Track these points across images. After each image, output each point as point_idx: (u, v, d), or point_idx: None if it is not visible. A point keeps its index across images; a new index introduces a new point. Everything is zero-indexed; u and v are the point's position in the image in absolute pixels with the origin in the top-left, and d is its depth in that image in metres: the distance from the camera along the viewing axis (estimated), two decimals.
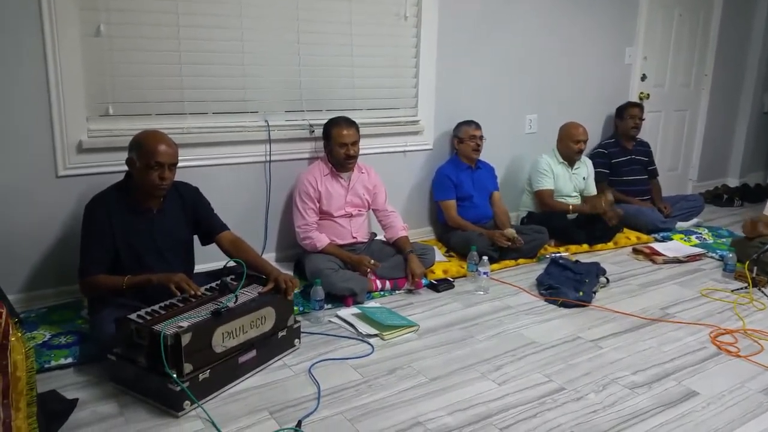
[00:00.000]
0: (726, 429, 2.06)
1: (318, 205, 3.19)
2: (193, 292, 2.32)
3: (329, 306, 2.94)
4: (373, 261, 3.12)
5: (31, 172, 2.73)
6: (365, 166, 3.37)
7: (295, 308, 2.75)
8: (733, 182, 5.92)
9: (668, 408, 2.18)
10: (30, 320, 2.66)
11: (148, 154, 2.40)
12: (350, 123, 3.21)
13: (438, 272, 3.37)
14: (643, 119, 4.63)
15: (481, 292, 3.20)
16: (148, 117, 2.95)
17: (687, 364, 2.51)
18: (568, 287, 3.17)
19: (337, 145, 3.16)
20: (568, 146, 4.10)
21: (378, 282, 3.14)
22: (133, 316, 2.17)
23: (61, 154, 2.77)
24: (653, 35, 4.94)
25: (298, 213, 3.18)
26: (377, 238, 3.45)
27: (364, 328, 2.72)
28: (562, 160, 4.15)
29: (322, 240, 3.14)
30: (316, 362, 2.44)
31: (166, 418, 2.05)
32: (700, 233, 4.32)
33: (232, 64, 3.14)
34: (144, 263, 2.48)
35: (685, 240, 4.16)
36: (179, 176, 2.68)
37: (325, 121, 3.31)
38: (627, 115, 4.59)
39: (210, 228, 2.69)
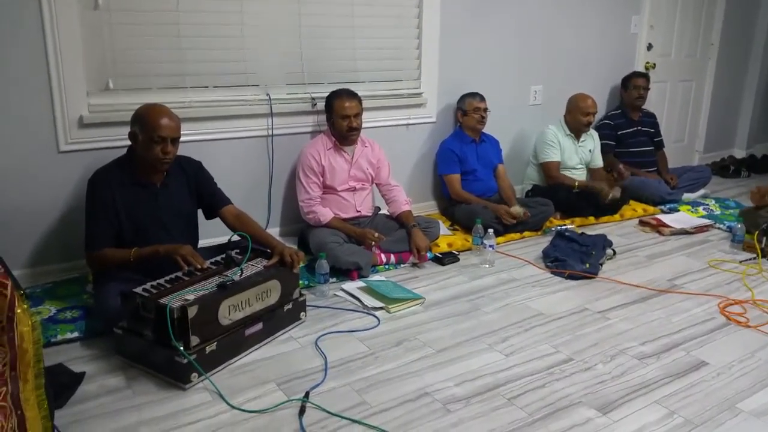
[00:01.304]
0: (736, 399, 2.05)
1: (321, 179, 3.16)
2: (199, 266, 2.30)
3: (334, 280, 2.92)
4: (377, 234, 3.10)
5: (33, 148, 2.71)
6: (369, 140, 3.33)
7: (300, 282, 2.75)
8: (739, 153, 5.86)
9: (678, 378, 2.17)
10: (35, 295, 2.65)
11: (150, 128, 2.37)
12: (352, 95, 3.16)
13: (443, 245, 3.35)
14: (649, 89, 4.56)
15: (487, 265, 3.18)
16: (148, 91, 2.91)
17: (696, 334, 2.50)
18: (574, 259, 3.15)
19: (339, 117, 3.12)
20: (577, 118, 4.05)
21: (383, 256, 3.12)
22: (138, 290, 2.17)
23: (62, 130, 2.74)
24: (659, 3, 4.84)
25: (302, 187, 3.15)
26: (381, 212, 3.42)
27: (370, 301, 2.70)
28: (569, 132, 4.10)
29: (326, 214, 3.12)
30: (323, 335, 2.43)
31: (174, 390, 2.05)
32: (707, 204, 4.29)
33: (233, 37, 3.09)
34: (148, 238, 2.46)
35: (692, 211, 4.12)
36: (182, 150, 2.65)
37: (326, 94, 3.26)
38: (632, 85, 4.52)
39: (213, 202, 2.66)
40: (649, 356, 2.32)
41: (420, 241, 3.13)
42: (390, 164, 3.41)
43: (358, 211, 3.26)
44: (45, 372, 1.96)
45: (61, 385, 2.01)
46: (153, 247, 2.36)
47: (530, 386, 2.10)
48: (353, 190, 3.25)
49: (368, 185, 3.34)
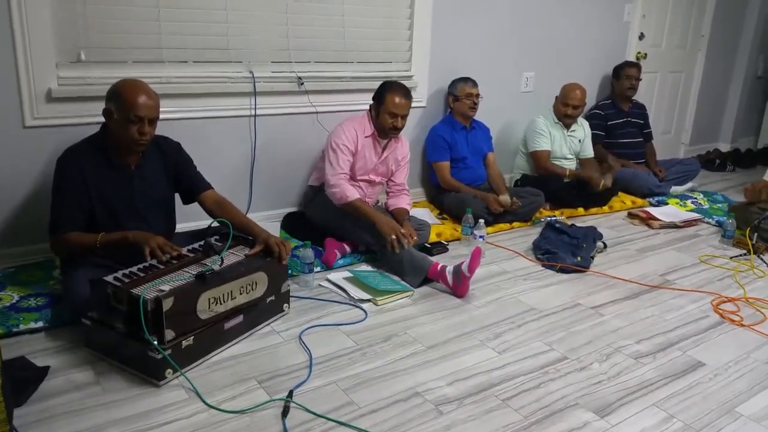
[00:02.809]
0: (735, 402, 1.99)
1: (351, 159, 2.98)
2: (167, 258, 2.14)
3: (318, 269, 2.79)
4: (404, 231, 2.80)
5: None
6: (402, 137, 3.16)
7: None
8: (724, 147, 5.84)
9: (675, 379, 2.10)
10: None
11: (127, 106, 2.19)
12: (407, 93, 2.97)
13: (431, 235, 3.23)
14: (640, 80, 4.49)
15: None
16: (123, 64, 2.73)
17: (691, 333, 2.43)
18: (565, 252, 3.06)
19: (387, 114, 2.93)
20: (559, 108, 3.96)
21: (336, 251, 2.92)
22: (109, 278, 2.01)
23: (29, 103, 2.54)
24: None
25: (331, 161, 2.92)
26: (379, 203, 3.27)
27: (356, 292, 2.58)
28: (557, 121, 4.01)
29: (352, 192, 2.88)
30: (307, 328, 2.31)
31: (147, 387, 1.91)
32: (695, 198, 4.25)
33: (215, 9, 2.90)
34: (120, 222, 2.30)
35: (680, 205, 4.08)
36: (159, 129, 2.48)
37: (313, 74, 3.10)
38: (624, 75, 4.44)
39: (192, 186, 2.50)
40: (644, 355, 2.25)
41: (408, 228, 2.98)
42: (409, 166, 3.26)
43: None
44: (4, 367, 1.82)
45: (23, 381, 1.86)
46: (122, 234, 2.19)
47: (525, 386, 2.01)
48: (371, 182, 3.11)
49: (385, 180, 3.19)
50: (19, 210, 2.64)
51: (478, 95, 3.61)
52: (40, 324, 2.20)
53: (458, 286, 2.61)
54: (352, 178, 3.03)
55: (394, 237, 2.74)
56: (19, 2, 2.42)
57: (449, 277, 2.62)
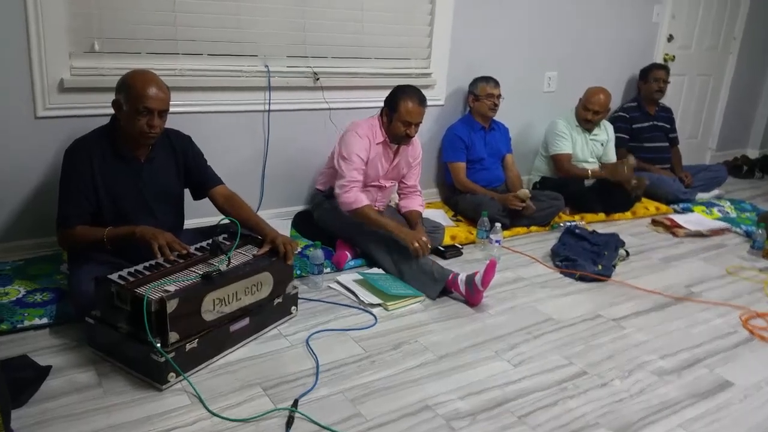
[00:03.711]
0: (767, 426, 1.88)
1: (364, 168, 2.85)
2: (173, 257, 2.07)
3: (328, 270, 2.72)
4: (425, 238, 2.67)
5: (7, 113, 2.46)
6: (414, 139, 3.01)
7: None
8: (752, 153, 5.66)
9: (701, 399, 1.99)
10: (4, 273, 2.44)
11: (136, 97, 2.13)
12: (422, 100, 2.80)
13: (446, 238, 3.14)
14: (668, 82, 4.34)
15: None
16: (137, 56, 2.67)
17: (718, 349, 2.32)
18: (585, 259, 2.96)
19: (400, 122, 2.78)
20: (580, 111, 3.84)
21: (348, 252, 2.84)
22: (114, 276, 1.95)
23: (41, 93, 2.50)
24: None
25: (344, 169, 2.79)
26: (390, 204, 3.18)
27: (367, 296, 2.50)
28: (578, 124, 3.88)
29: (360, 199, 2.76)
30: (315, 332, 2.23)
31: (149, 390, 1.85)
32: (722, 206, 4.10)
33: (231, 1, 2.83)
34: (128, 216, 2.24)
35: (706, 213, 3.93)
36: (170, 122, 2.42)
37: (329, 69, 3.02)
38: (651, 77, 4.30)
39: (203, 181, 2.44)
40: (669, 372, 2.14)
41: (422, 233, 2.89)
42: (421, 167, 3.15)
43: (375, 207, 2.98)
44: (5, 365, 1.77)
45: (24, 381, 1.81)
46: (129, 228, 2.13)
47: (541, 403, 1.92)
48: (382, 188, 3.00)
49: (396, 182, 3.09)
50: (30, 201, 2.60)
51: (499, 96, 3.50)
52: (44, 320, 2.16)
53: (471, 296, 2.51)
54: (363, 184, 2.91)
55: (417, 245, 2.60)
56: None
57: (462, 286, 2.53)
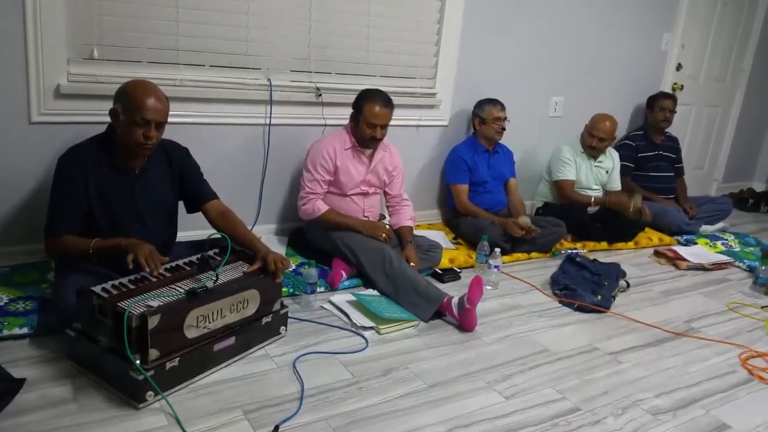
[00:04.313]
0: None
1: (331, 178, 2.87)
2: (148, 271, 1.98)
3: (322, 289, 2.66)
4: (388, 226, 2.87)
5: (1, 115, 2.43)
6: (389, 145, 3.03)
7: (285, 289, 2.50)
8: (759, 186, 5.60)
9: None
10: None
11: (134, 108, 2.09)
12: (387, 102, 2.83)
13: (444, 261, 3.08)
14: (675, 112, 4.30)
15: (490, 287, 2.92)
16: (137, 64, 2.65)
17: (716, 389, 2.24)
18: (585, 289, 2.89)
19: (365, 124, 2.80)
20: (585, 137, 3.80)
21: (343, 271, 2.79)
22: (97, 289, 1.90)
23: (36, 98, 2.47)
24: (694, 22, 4.57)
25: (305, 181, 2.86)
26: (385, 220, 3.14)
27: (359, 318, 2.44)
28: (583, 150, 3.84)
29: (320, 206, 2.84)
30: (303, 354, 2.17)
31: (126, 408, 1.79)
32: (726, 239, 4.03)
33: (236, 13, 2.81)
34: (121, 227, 2.20)
35: (710, 246, 3.87)
36: (168, 133, 2.39)
37: (332, 86, 3.00)
38: (658, 106, 4.26)
39: (197, 194, 2.40)
40: (664, 412, 2.07)
41: (411, 254, 2.85)
42: (403, 174, 3.14)
43: (365, 216, 2.98)
44: None
45: None
46: (115, 241, 2.08)
47: None
48: (365, 194, 2.98)
49: (380, 190, 3.07)
50: (22, 207, 2.57)
51: (505, 119, 3.46)
52: (24, 330, 2.10)
53: (464, 320, 2.45)
54: (343, 194, 2.92)
55: (383, 235, 2.79)
56: None
57: (455, 310, 2.47)
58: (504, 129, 3.47)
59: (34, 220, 2.51)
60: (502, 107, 3.46)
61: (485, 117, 3.45)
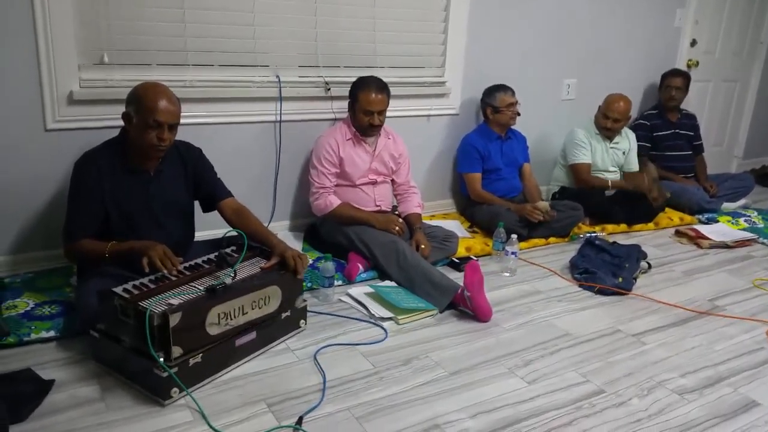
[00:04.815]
0: None
1: (337, 170, 2.90)
2: (165, 272, 2.01)
3: (340, 282, 2.67)
4: (401, 219, 2.88)
5: (17, 125, 2.47)
6: (392, 132, 3.06)
7: (303, 284, 2.50)
8: None
9: (724, 420, 1.89)
10: (14, 286, 2.44)
11: (146, 110, 2.11)
12: (381, 87, 2.85)
13: (460, 249, 3.07)
14: (685, 89, 4.20)
15: (508, 274, 2.91)
16: (147, 67, 2.67)
17: (743, 367, 2.21)
18: (605, 272, 2.86)
19: (362, 112, 2.83)
20: (599, 119, 3.75)
21: (360, 264, 2.79)
22: (118, 290, 1.93)
23: (50, 106, 2.50)
24: None
25: (313, 176, 2.89)
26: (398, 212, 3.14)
27: (378, 309, 2.45)
28: (598, 132, 3.79)
29: (332, 200, 2.87)
30: (323, 347, 2.18)
31: (152, 406, 1.81)
32: (749, 216, 3.96)
33: (242, 11, 2.82)
34: (137, 229, 2.22)
35: (732, 223, 3.80)
36: (181, 134, 2.41)
37: (341, 79, 3.00)
38: (664, 84, 4.19)
39: (212, 193, 2.42)
40: (690, 391, 2.04)
41: (421, 238, 2.85)
42: (410, 162, 3.14)
43: (377, 206, 2.99)
44: (6, 380, 1.75)
45: (25, 395, 1.78)
46: (129, 244, 2.11)
47: (555, 423, 1.84)
48: (374, 183, 2.99)
49: (389, 179, 3.07)
50: (41, 214, 2.61)
51: (517, 103, 3.43)
52: (51, 333, 2.14)
53: (475, 308, 2.44)
54: (352, 184, 2.93)
55: (396, 227, 2.80)
56: (43, 4, 2.37)
57: (468, 300, 2.47)
58: (518, 114, 3.44)
59: (54, 225, 2.55)
60: (513, 93, 3.43)
61: (498, 105, 3.42)
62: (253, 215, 2.40)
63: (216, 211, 2.43)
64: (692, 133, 4.33)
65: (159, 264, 2.00)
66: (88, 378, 1.94)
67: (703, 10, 4.50)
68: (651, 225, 3.71)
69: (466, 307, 2.47)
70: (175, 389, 1.82)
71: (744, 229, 3.69)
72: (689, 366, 2.20)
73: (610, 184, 3.72)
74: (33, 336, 2.12)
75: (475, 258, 3.04)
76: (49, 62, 2.44)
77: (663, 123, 4.22)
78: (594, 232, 3.47)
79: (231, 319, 1.97)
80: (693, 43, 4.54)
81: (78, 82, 2.53)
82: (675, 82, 4.15)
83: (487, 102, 3.48)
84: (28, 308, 2.28)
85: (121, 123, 2.23)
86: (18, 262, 2.59)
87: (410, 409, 1.86)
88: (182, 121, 2.25)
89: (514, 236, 2.95)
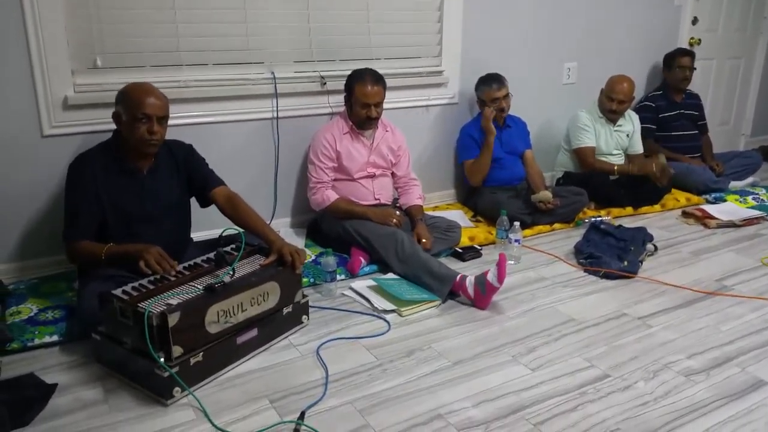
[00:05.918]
0: None
1: (335, 164, 2.89)
2: (163, 272, 2.03)
3: (342, 277, 2.66)
4: (399, 213, 2.85)
5: (14, 132, 2.48)
6: (390, 124, 3.04)
7: (305, 279, 2.51)
8: None
9: (732, 400, 1.86)
10: (19, 292, 2.45)
11: (134, 105, 2.14)
12: (377, 79, 2.83)
13: (464, 239, 3.05)
14: (694, 68, 4.16)
15: (512, 262, 2.88)
16: (141, 69, 2.66)
17: (751, 346, 2.18)
18: (610, 256, 2.83)
19: (359, 105, 2.82)
20: (603, 101, 3.70)
21: (362, 258, 2.78)
22: (117, 292, 1.93)
23: (46, 112, 2.51)
24: None
25: (311, 172, 2.90)
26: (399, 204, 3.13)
27: (380, 302, 2.44)
28: (601, 115, 3.75)
29: (329, 195, 2.86)
30: (326, 341, 2.18)
31: (155, 406, 1.82)
32: (757, 194, 3.90)
33: (234, 9, 2.81)
34: (133, 229, 2.24)
35: (740, 201, 3.75)
36: (177, 135, 2.42)
37: (337, 73, 2.98)
38: (676, 64, 4.12)
39: (204, 183, 2.40)
40: (697, 372, 2.02)
41: (422, 230, 2.83)
42: (410, 154, 3.12)
43: (376, 199, 2.98)
44: (8, 385, 1.76)
45: (29, 399, 1.79)
46: (124, 247, 2.12)
47: (559, 409, 1.82)
48: (372, 176, 2.97)
49: (389, 171, 3.06)
50: (42, 220, 2.62)
51: (506, 96, 3.37)
52: (54, 338, 2.15)
53: (482, 298, 2.42)
54: (351, 178, 2.92)
55: (393, 220, 2.76)
56: (33, 10, 2.38)
57: (470, 288, 2.43)
58: (507, 106, 3.38)
59: (55, 231, 2.54)
60: (500, 85, 3.34)
61: (483, 98, 3.37)
62: (245, 204, 2.37)
63: (213, 209, 2.42)
64: (697, 113, 4.27)
65: (155, 266, 2.01)
66: (91, 380, 1.95)
67: None
68: (657, 207, 3.67)
69: (466, 295, 2.45)
70: (177, 389, 1.82)
71: (752, 207, 3.64)
72: (696, 347, 2.17)
73: (616, 169, 3.67)
74: (36, 341, 2.13)
75: (479, 247, 3.03)
76: (42, 68, 2.45)
77: (668, 104, 4.16)
78: (599, 216, 3.43)
79: (231, 317, 1.97)
80: (694, 21, 4.48)
81: (72, 87, 2.53)
82: (686, 61, 4.09)
83: (477, 95, 3.44)
84: (32, 314, 2.29)
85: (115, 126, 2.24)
86: (22, 269, 2.60)
87: (413, 400, 1.85)
88: (179, 121, 2.27)
89: (516, 224, 2.92)
